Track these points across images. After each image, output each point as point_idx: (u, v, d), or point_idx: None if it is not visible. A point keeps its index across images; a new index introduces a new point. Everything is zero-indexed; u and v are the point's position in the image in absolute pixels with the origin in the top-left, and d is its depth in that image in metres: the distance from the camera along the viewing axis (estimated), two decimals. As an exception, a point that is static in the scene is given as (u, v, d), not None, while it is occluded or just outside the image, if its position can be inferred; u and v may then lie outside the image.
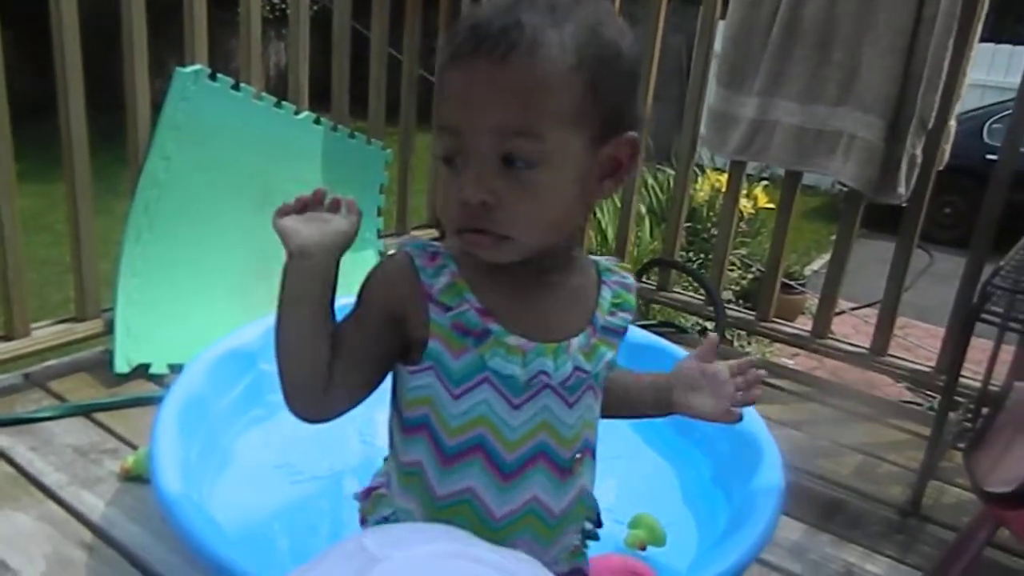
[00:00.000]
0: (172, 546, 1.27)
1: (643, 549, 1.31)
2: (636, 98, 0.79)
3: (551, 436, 0.82)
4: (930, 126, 1.81)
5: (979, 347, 1.51)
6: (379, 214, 2.32)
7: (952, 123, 1.84)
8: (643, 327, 1.94)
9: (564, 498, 0.85)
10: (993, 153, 1.93)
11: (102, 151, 1.73)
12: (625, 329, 0.87)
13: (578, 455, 0.86)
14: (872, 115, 1.81)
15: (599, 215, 3.79)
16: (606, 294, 0.85)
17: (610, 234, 3.68)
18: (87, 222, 1.77)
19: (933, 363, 1.96)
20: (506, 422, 0.80)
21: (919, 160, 1.84)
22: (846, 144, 1.86)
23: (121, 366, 1.74)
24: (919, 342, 3.61)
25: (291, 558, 1.29)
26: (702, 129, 2.16)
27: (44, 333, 1.76)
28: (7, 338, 1.70)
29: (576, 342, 0.82)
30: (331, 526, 1.39)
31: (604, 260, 0.89)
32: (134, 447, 1.52)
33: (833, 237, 2.69)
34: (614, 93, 0.75)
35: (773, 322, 2.15)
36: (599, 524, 0.94)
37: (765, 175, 4.47)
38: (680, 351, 1.73)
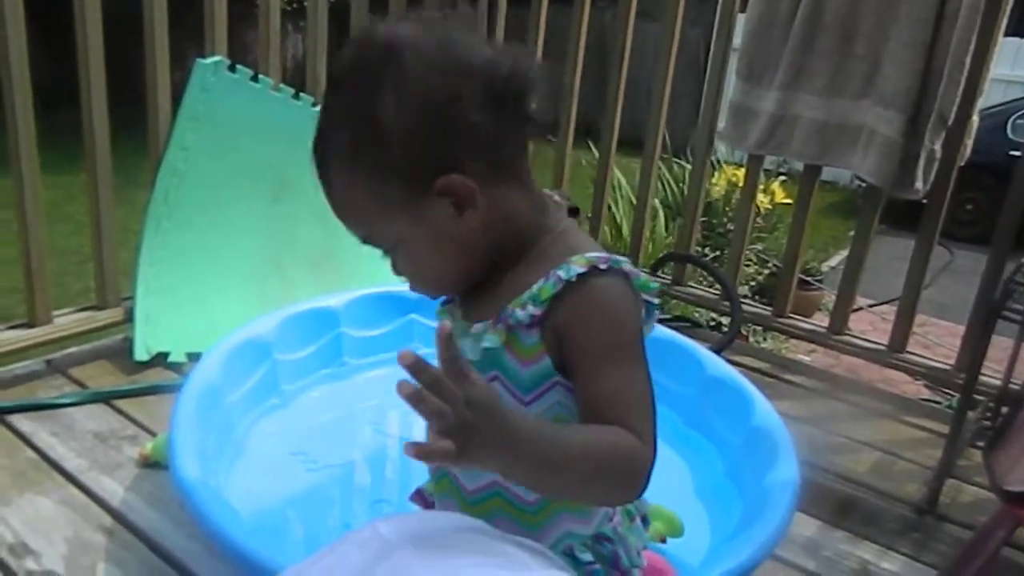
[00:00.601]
0: (190, 532, 1.29)
1: (663, 542, 1.30)
2: (435, 139, 0.77)
3: None
4: (950, 122, 1.79)
5: (999, 345, 1.50)
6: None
7: (975, 118, 1.83)
8: (658, 322, 1.93)
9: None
10: (1016, 149, 1.91)
11: (121, 142, 1.75)
12: (527, 323, 0.79)
13: None
14: (892, 110, 1.79)
15: (613, 209, 3.78)
16: (535, 287, 0.80)
17: (625, 228, 3.67)
18: (108, 212, 1.79)
19: (952, 361, 1.94)
20: None
21: (938, 155, 1.82)
22: (866, 139, 1.84)
23: (140, 354, 1.76)
24: (938, 340, 3.57)
25: (303, 545, 1.30)
26: (720, 123, 2.15)
27: (65, 321, 1.78)
28: (30, 325, 1.72)
29: (479, 327, 0.82)
30: (343, 514, 1.40)
31: (580, 256, 0.78)
32: (153, 434, 1.54)
33: (851, 233, 2.67)
34: (398, 159, 0.77)
35: (790, 318, 2.14)
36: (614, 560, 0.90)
37: (782, 170, 4.44)
38: (696, 346, 1.73)
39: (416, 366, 0.62)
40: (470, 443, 0.64)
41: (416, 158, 0.76)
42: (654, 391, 0.79)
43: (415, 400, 0.62)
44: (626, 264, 0.80)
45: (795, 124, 1.94)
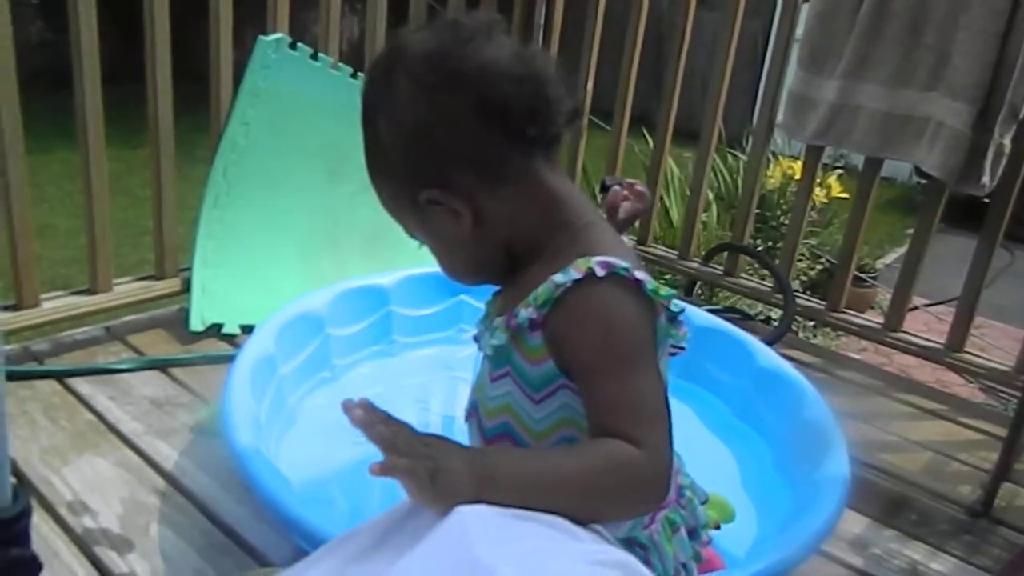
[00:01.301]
0: (239, 498, 1.31)
1: (717, 528, 1.29)
2: (420, 157, 0.81)
3: (478, 399, 0.93)
4: (1021, 115, 1.73)
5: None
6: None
7: (1047, 113, 1.76)
8: (709, 312, 1.91)
9: None
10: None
11: (179, 119, 1.79)
12: (527, 326, 0.80)
13: (497, 434, 0.88)
14: (961, 101, 1.73)
15: (665, 200, 3.73)
16: (538, 289, 0.80)
17: (676, 219, 3.63)
18: (168, 183, 1.83)
19: (1012, 363, 1.89)
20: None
21: (1007, 150, 1.76)
22: (933, 131, 1.79)
23: (196, 324, 1.80)
24: (995, 342, 3.46)
25: (348, 517, 1.32)
26: (779, 113, 2.10)
27: (125, 289, 1.83)
28: (91, 292, 1.77)
29: (498, 321, 0.86)
30: (386, 488, 1.41)
31: (584, 260, 0.79)
32: (206, 402, 1.57)
33: (908, 231, 2.60)
34: (397, 170, 0.84)
35: (844, 312, 2.09)
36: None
37: (839, 164, 4.34)
38: (747, 337, 1.71)
39: (364, 419, 0.69)
40: (437, 475, 0.67)
41: (408, 172, 0.82)
42: (666, 397, 0.80)
43: (365, 424, 0.68)
44: (633, 271, 0.78)
45: (856, 114, 1.89)
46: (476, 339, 0.96)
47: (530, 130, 0.80)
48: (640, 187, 1.14)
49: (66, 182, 4.01)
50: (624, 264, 0.78)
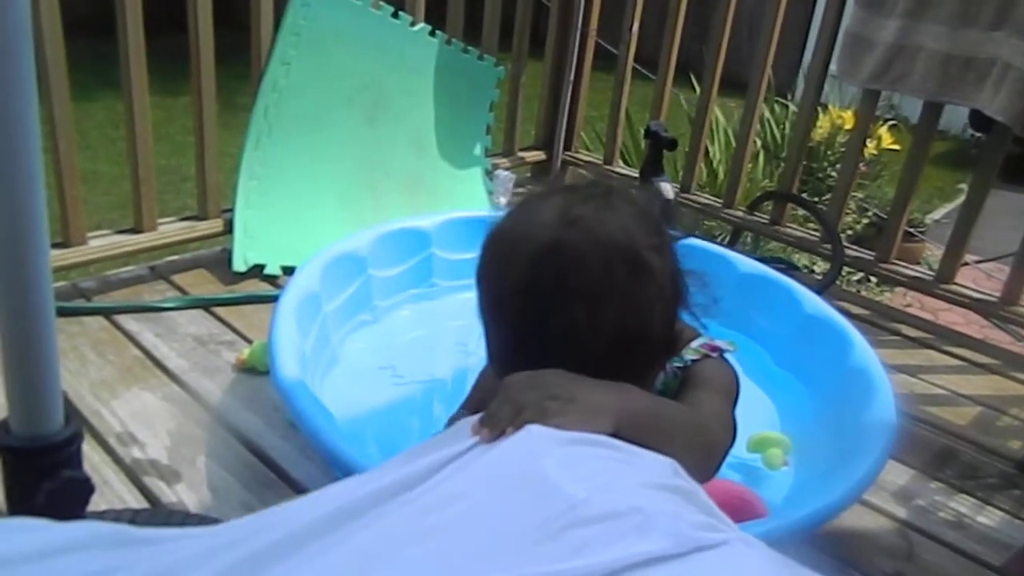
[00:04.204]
0: (283, 434, 1.33)
1: (786, 465, 1.30)
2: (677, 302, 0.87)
3: None
4: (1094, 59, 1.65)
5: None
6: (488, 132, 2.31)
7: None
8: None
9: None
10: None
11: (220, 67, 1.78)
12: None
13: None
14: (1030, 42, 1.65)
15: (710, 150, 3.66)
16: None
17: (720, 170, 3.56)
18: (210, 123, 1.83)
19: (1069, 318, 1.83)
20: None
21: (1077, 95, 1.68)
22: (998, 74, 1.71)
23: (238, 265, 1.81)
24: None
25: (388, 454, 1.32)
26: (834, 57, 2.02)
27: (169, 229, 1.85)
28: (136, 231, 1.79)
29: None
30: (424, 426, 1.42)
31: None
32: (249, 341, 1.59)
33: (959, 186, 2.52)
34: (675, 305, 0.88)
35: (893, 264, 2.04)
36: None
37: (890, 116, 4.20)
38: (793, 284, 1.67)
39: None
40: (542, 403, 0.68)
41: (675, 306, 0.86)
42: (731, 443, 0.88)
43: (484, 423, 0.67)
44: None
45: (916, 56, 1.81)
46: None
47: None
48: None
49: (109, 129, 4.06)
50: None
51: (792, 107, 3.72)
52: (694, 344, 0.97)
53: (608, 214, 0.79)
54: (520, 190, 2.51)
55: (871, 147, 3.63)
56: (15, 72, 0.73)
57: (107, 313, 1.64)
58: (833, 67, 2.03)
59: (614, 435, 0.67)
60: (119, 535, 0.58)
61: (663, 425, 0.76)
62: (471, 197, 2.18)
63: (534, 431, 0.63)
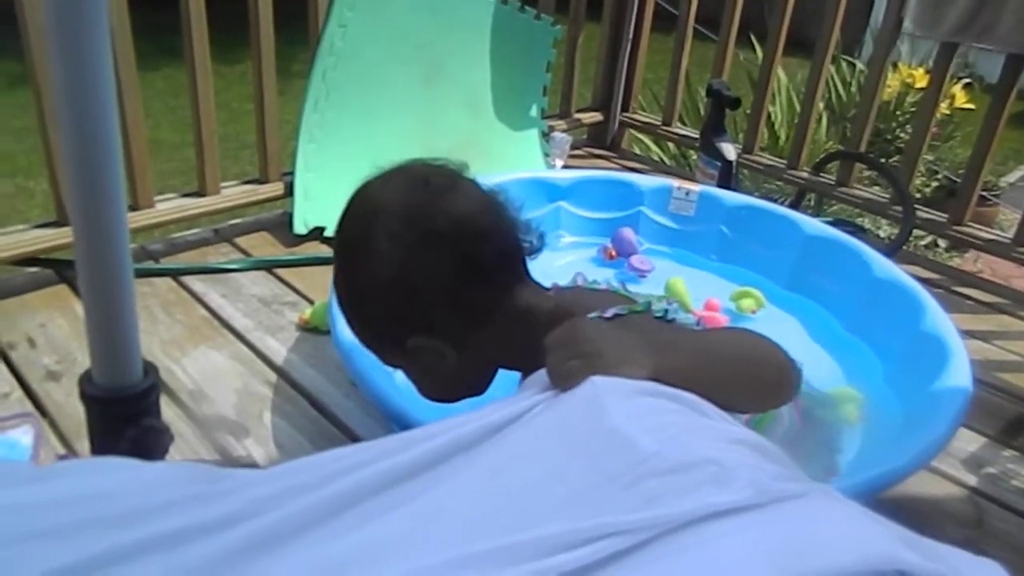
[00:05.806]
0: (346, 392, 1.36)
1: (860, 420, 1.28)
2: (402, 308, 0.85)
3: None
4: None
5: None
6: (544, 93, 2.28)
7: None
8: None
9: None
10: None
11: (276, 33, 1.79)
12: None
13: None
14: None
15: (772, 112, 3.56)
16: None
17: (781, 133, 3.46)
18: (270, 87, 1.84)
19: None
20: None
21: None
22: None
23: (299, 227, 1.84)
24: None
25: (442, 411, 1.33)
26: (908, 10, 1.93)
27: (231, 192, 1.88)
28: (200, 194, 1.83)
29: None
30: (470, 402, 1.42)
31: None
32: (311, 301, 1.62)
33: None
34: (378, 320, 0.90)
35: (968, 226, 1.96)
36: None
37: (964, 74, 4.02)
38: (862, 246, 1.62)
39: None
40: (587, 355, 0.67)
41: (392, 320, 0.87)
42: None
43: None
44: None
45: (1004, 5, 1.71)
46: None
47: (504, 274, 0.87)
48: None
49: (170, 98, 4.13)
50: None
51: (860, 65, 3.59)
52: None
53: (388, 190, 0.86)
54: (577, 152, 2.48)
55: (943, 107, 3.49)
56: (93, 42, 0.75)
57: (175, 274, 1.68)
58: (907, 22, 1.94)
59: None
60: (211, 473, 0.61)
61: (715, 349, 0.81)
62: (527, 159, 2.16)
63: (598, 382, 0.63)
